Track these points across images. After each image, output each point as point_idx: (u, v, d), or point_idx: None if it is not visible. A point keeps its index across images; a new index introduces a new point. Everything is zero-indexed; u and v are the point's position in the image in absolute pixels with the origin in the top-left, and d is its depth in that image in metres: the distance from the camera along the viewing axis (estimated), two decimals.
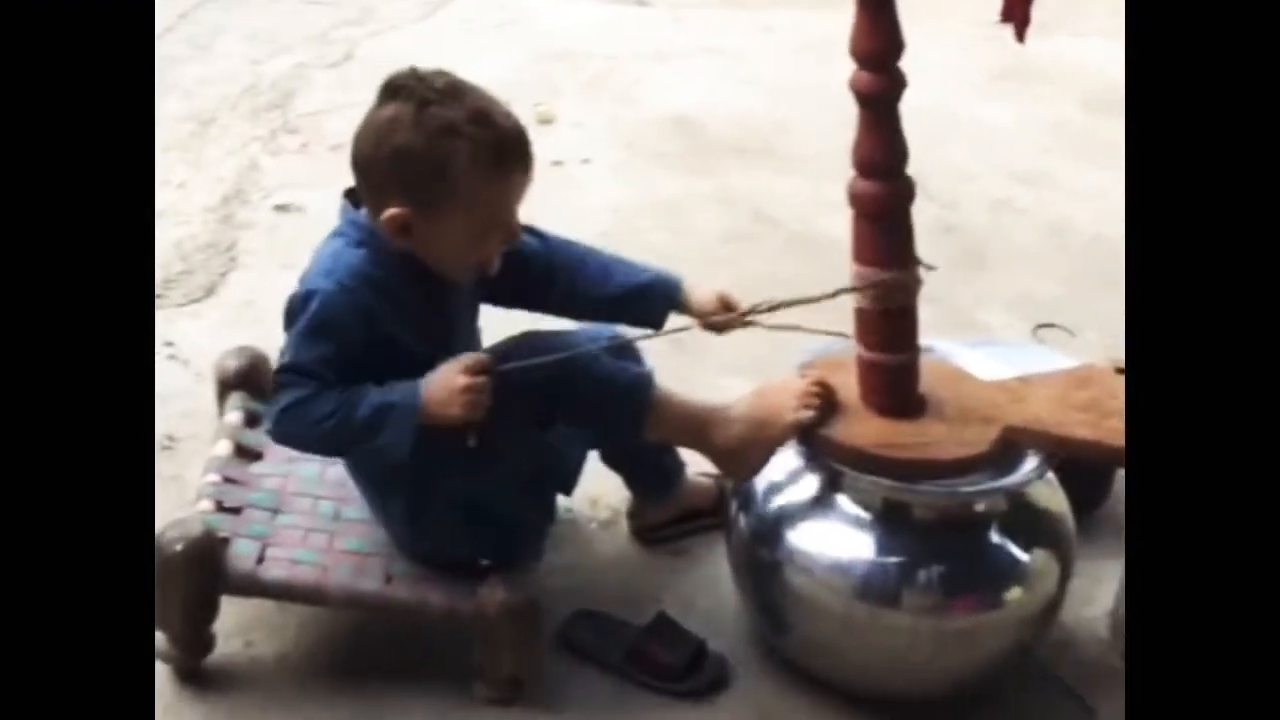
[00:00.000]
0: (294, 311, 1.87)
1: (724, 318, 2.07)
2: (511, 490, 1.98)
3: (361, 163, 1.88)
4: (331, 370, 1.85)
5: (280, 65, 3.81)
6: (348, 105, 3.60)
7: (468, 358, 1.87)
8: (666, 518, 2.28)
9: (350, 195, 1.96)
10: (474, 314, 2.07)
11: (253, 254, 2.98)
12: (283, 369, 1.86)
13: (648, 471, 2.24)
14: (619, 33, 4.15)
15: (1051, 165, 3.58)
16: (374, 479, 1.99)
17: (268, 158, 3.36)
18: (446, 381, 1.85)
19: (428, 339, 1.93)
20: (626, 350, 2.06)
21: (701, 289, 2.11)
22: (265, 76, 3.76)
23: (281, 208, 3.14)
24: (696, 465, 2.21)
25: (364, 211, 1.92)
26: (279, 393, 1.86)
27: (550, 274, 2.08)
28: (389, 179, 1.85)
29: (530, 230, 2.03)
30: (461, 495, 1.95)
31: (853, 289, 1.95)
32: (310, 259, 1.93)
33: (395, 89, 1.86)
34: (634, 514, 2.29)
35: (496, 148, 1.84)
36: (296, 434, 1.88)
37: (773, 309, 2.04)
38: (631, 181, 3.39)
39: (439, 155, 1.82)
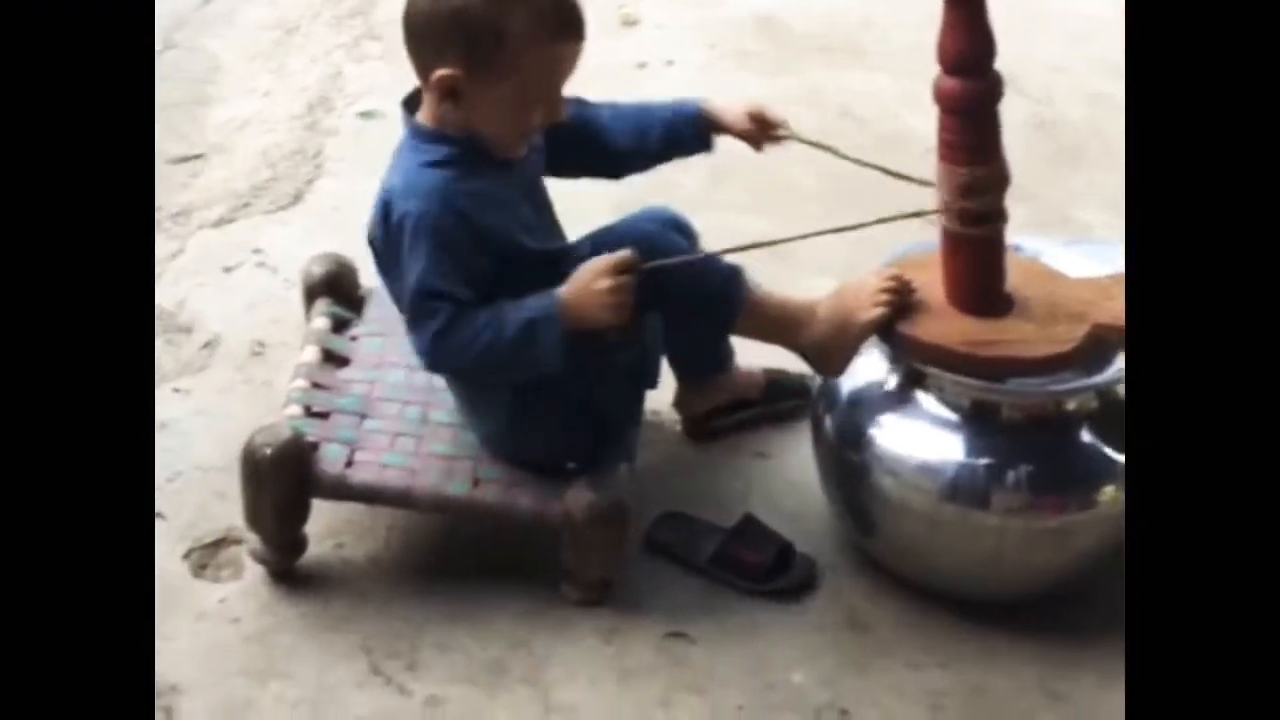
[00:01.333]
0: (393, 239, 1.86)
1: (756, 131, 2.11)
2: (610, 387, 1.99)
3: (416, 23, 1.86)
4: (460, 285, 1.85)
5: None
6: None
7: (605, 260, 1.85)
8: (714, 405, 2.26)
9: (408, 104, 1.95)
10: (544, 191, 2.06)
11: (338, 161, 2.98)
12: (416, 296, 1.84)
13: (701, 354, 2.22)
14: None
15: None
16: (474, 383, 1.99)
17: (351, 65, 3.35)
18: (587, 285, 1.84)
19: (519, 222, 1.93)
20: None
21: (731, 106, 2.11)
22: None
23: (366, 114, 3.14)
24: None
25: (420, 114, 1.92)
26: (417, 323, 1.86)
27: (593, 136, 2.08)
28: (445, 39, 1.82)
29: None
30: (563, 395, 1.95)
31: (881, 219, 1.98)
32: (385, 175, 1.92)
33: None
34: (682, 404, 2.27)
35: (555, 15, 1.84)
36: (451, 360, 1.89)
37: (808, 142, 2.13)
38: (716, 83, 3.33)
39: (497, 16, 1.80)
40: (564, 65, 1.88)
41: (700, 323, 2.03)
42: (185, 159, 2.98)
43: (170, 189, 2.87)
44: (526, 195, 2.00)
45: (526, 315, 1.85)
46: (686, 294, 1.94)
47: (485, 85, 1.84)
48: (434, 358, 1.89)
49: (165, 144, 3.01)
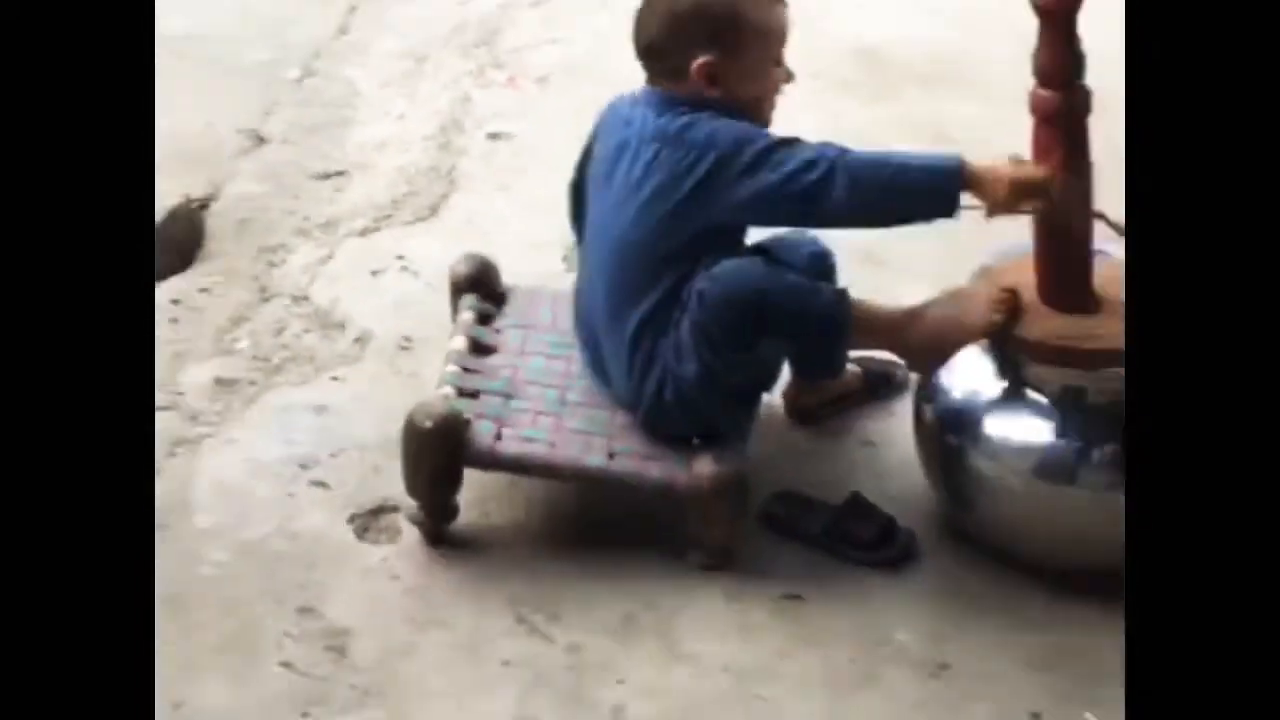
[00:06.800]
0: (757, 157, 2.11)
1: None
2: (719, 393, 2.21)
3: (660, 36, 2.21)
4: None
5: (486, 4, 4.04)
6: (549, 41, 3.86)
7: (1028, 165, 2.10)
8: (820, 401, 2.49)
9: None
10: None
11: (470, 177, 3.23)
12: (783, 144, 2.13)
13: (819, 363, 2.40)
14: None
15: None
16: (641, 362, 2.20)
17: (478, 90, 3.60)
18: (1001, 172, 2.10)
19: None
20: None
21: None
22: (472, 15, 4.00)
23: (494, 135, 3.39)
24: None
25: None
26: (811, 169, 2.09)
27: None
28: (691, 34, 2.17)
29: None
30: (684, 388, 2.18)
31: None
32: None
33: None
34: (791, 395, 2.48)
35: None
36: (852, 185, 2.08)
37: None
38: (819, 110, 3.54)
39: (729, 3, 2.18)
40: (786, 26, 2.25)
41: (817, 343, 2.26)
42: (329, 175, 3.24)
43: (317, 203, 3.13)
44: None
45: (929, 162, 2.14)
46: (802, 323, 2.18)
47: (736, 60, 2.17)
48: (836, 186, 2.08)
49: (311, 162, 3.28)
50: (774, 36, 2.23)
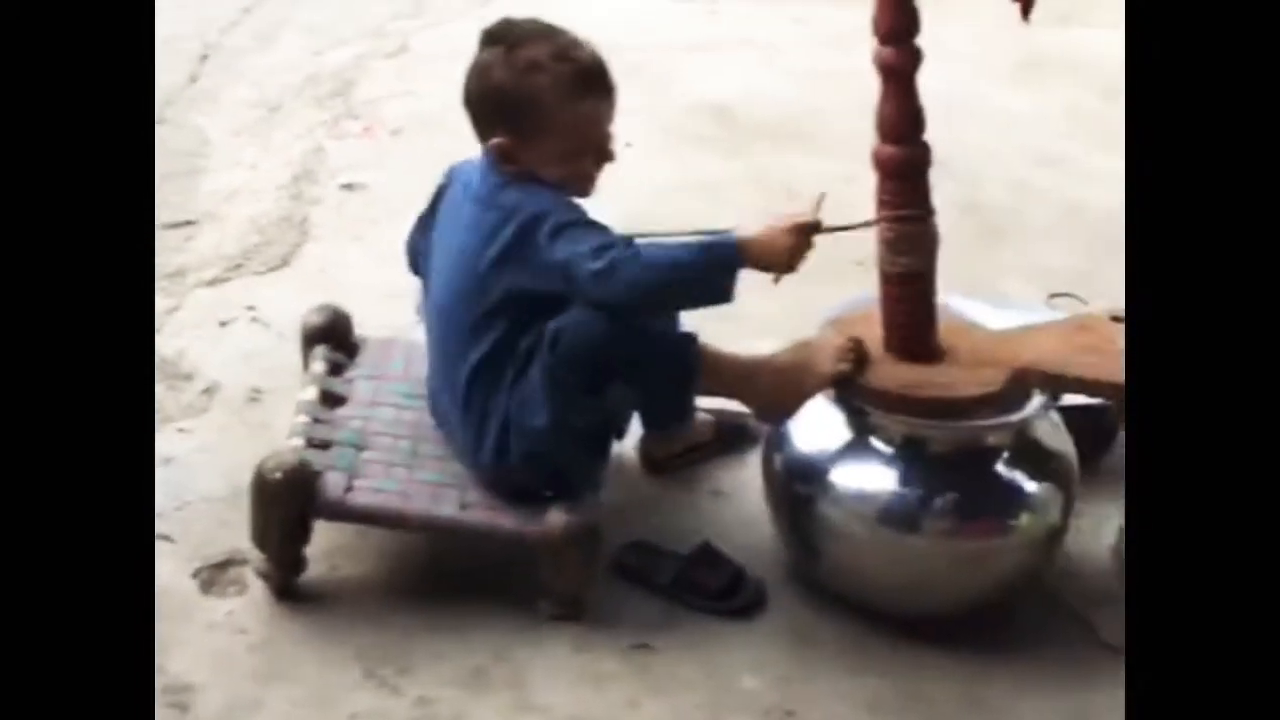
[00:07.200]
0: (555, 229, 2.09)
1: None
2: (571, 441, 2.21)
3: (468, 103, 2.23)
4: None
5: (340, 56, 4.05)
6: (403, 92, 3.87)
7: (790, 216, 2.12)
8: (674, 451, 2.51)
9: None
10: None
11: (323, 227, 3.22)
12: (582, 224, 2.11)
13: (668, 410, 2.43)
14: (658, 26, 4.37)
15: (1069, 149, 3.79)
16: (475, 420, 2.21)
17: (332, 141, 3.60)
18: (772, 235, 2.10)
19: None
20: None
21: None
22: (326, 66, 4.00)
23: (347, 186, 3.38)
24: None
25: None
26: (597, 256, 2.06)
27: None
28: (490, 113, 2.19)
29: None
30: (533, 441, 2.18)
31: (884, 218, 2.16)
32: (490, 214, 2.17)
33: (491, 36, 2.19)
34: (646, 448, 2.51)
35: (576, 78, 2.16)
36: (631, 278, 2.06)
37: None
38: (671, 163, 3.60)
39: (526, 88, 2.14)
40: (596, 117, 2.19)
41: (666, 388, 2.28)
42: (179, 224, 3.20)
43: (165, 252, 3.08)
44: None
45: (702, 244, 2.11)
46: (651, 366, 2.20)
47: (530, 145, 2.16)
48: (612, 278, 2.05)
49: (159, 211, 3.23)
50: (577, 127, 2.18)
